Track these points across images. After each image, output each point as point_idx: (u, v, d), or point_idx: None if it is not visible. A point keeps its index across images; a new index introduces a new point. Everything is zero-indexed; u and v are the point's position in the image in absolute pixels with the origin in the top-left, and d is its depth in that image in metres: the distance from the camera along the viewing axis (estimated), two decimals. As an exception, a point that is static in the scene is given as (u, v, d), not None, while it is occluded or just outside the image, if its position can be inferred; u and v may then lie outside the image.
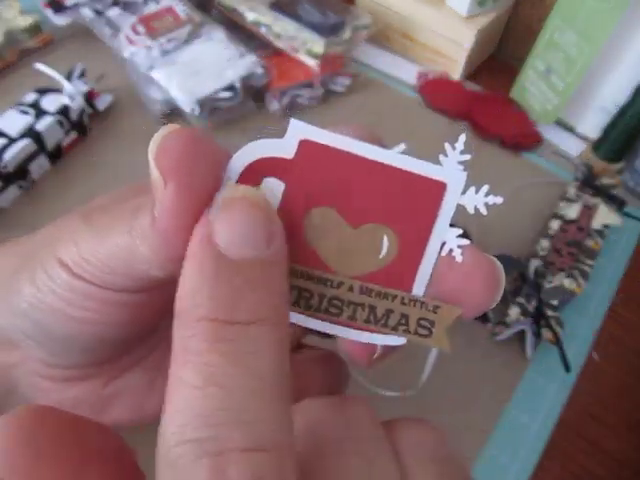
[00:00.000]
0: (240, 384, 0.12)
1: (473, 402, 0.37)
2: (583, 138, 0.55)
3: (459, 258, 0.15)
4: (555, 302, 0.39)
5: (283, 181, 0.14)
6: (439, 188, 0.15)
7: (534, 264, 0.41)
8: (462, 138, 0.15)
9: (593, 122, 0.54)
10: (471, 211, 0.15)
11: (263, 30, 0.55)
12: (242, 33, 0.56)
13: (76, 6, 0.53)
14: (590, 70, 0.50)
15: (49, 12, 0.52)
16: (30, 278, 0.16)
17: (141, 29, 0.52)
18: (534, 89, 0.56)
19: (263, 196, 0.14)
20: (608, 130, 0.50)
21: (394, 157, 0.14)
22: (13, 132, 0.42)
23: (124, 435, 0.14)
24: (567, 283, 0.40)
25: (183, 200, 0.13)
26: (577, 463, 0.36)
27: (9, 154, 0.41)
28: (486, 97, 0.56)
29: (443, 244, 0.15)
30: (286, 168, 0.14)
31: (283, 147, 0.14)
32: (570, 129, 0.56)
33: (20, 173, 0.42)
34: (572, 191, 0.46)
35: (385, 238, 0.15)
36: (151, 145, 0.13)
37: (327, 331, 0.15)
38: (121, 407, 0.19)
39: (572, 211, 0.44)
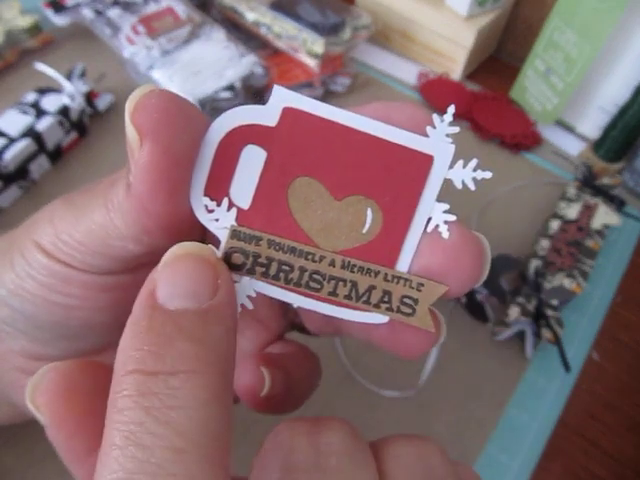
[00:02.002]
0: (162, 444, 0.11)
1: (473, 402, 0.37)
2: (583, 138, 0.55)
3: (445, 234, 0.14)
4: (555, 302, 0.39)
5: (265, 149, 0.14)
6: (426, 161, 0.14)
7: (534, 264, 0.41)
8: (450, 110, 0.14)
9: (593, 122, 0.54)
10: (459, 186, 0.14)
11: (263, 30, 0.55)
12: (242, 33, 0.56)
13: (76, 6, 0.53)
14: (590, 70, 0.50)
15: (49, 12, 0.52)
16: (10, 264, 0.16)
17: (141, 29, 0.52)
18: (534, 89, 0.56)
19: (210, 249, 0.13)
20: (608, 130, 0.50)
21: (381, 128, 0.14)
22: (13, 132, 0.42)
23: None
24: (567, 283, 0.40)
25: (160, 160, 0.12)
26: (577, 463, 0.36)
27: (9, 154, 0.41)
28: (486, 97, 0.56)
29: (429, 219, 0.14)
30: (268, 136, 0.14)
31: (266, 114, 0.13)
32: (570, 129, 0.56)
33: (20, 173, 0.42)
34: (572, 191, 0.46)
35: (369, 211, 0.14)
36: (128, 103, 0.13)
37: (306, 307, 0.15)
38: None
39: (572, 211, 0.44)
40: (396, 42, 0.62)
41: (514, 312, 0.38)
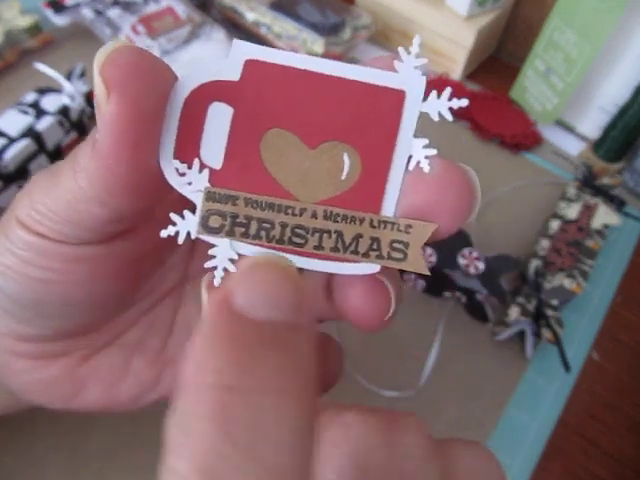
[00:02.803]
0: None
1: (473, 402, 0.37)
2: (583, 138, 0.55)
3: (427, 169, 0.13)
4: (555, 302, 0.39)
5: (231, 105, 0.13)
6: (398, 97, 0.13)
7: (534, 264, 0.41)
8: (416, 40, 0.14)
9: (593, 122, 0.54)
10: (435, 117, 0.14)
11: (263, 30, 0.55)
12: (242, 33, 0.56)
13: (76, 6, 0.53)
14: (590, 70, 0.50)
15: (49, 12, 0.52)
16: None
17: (141, 29, 0.52)
18: (534, 89, 0.56)
19: (289, 261, 0.12)
20: (608, 130, 0.50)
21: (346, 69, 0.13)
22: (13, 132, 0.42)
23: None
24: (567, 283, 0.40)
25: (126, 114, 0.12)
26: (577, 463, 0.36)
27: (9, 154, 0.41)
28: (486, 97, 0.56)
29: (409, 157, 0.14)
30: (233, 91, 0.13)
31: (228, 69, 0.13)
32: (570, 129, 0.56)
33: (20, 173, 0.42)
34: (572, 191, 0.46)
35: (346, 156, 0.14)
36: (98, 55, 0.12)
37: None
38: (94, 390, 0.18)
39: (572, 211, 0.44)
40: (396, 42, 0.62)
41: (514, 312, 0.38)
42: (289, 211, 0.14)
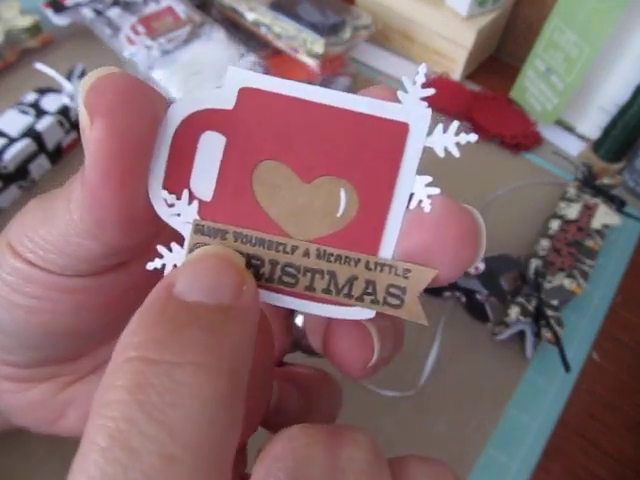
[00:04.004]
0: (153, 448, 0.09)
1: (473, 402, 0.37)
2: (583, 138, 0.55)
3: (428, 209, 0.12)
4: (555, 302, 0.39)
5: (224, 134, 0.13)
6: (400, 130, 0.13)
7: (534, 264, 0.41)
8: (422, 69, 0.13)
9: (593, 122, 0.54)
10: (441, 153, 0.13)
11: (263, 30, 0.55)
12: (242, 33, 0.56)
13: (76, 6, 0.53)
14: (590, 70, 0.49)
15: (49, 12, 0.52)
16: None
17: (141, 29, 0.52)
18: (534, 89, 0.56)
19: (239, 257, 0.12)
20: (608, 130, 0.50)
21: (346, 98, 0.12)
22: (13, 132, 0.42)
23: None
24: (567, 283, 0.40)
25: (112, 143, 0.11)
26: (577, 463, 0.36)
27: (9, 154, 0.41)
28: (486, 97, 0.56)
29: (411, 196, 0.13)
30: (226, 120, 0.12)
31: (222, 97, 0.12)
32: (570, 129, 0.56)
33: (20, 173, 0.42)
34: (572, 191, 0.46)
35: (342, 192, 0.13)
36: (82, 83, 0.12)
37: (282, 305, 0.13)
38: (76, 416, 0.18)
39: (572, 211, 0.44)
40: (396, 42, 0.62)
41: (514, 312, 0.38)
42: (280, 248, 0.13)
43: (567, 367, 0.37)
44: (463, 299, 0.39)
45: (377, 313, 0.13)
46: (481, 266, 0.39)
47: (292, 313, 0.19)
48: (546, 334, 0.37)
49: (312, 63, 0.53)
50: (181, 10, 0.54)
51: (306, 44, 0.53)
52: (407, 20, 0.59)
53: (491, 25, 0.58)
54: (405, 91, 0.13)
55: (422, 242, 0.12)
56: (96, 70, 0.12)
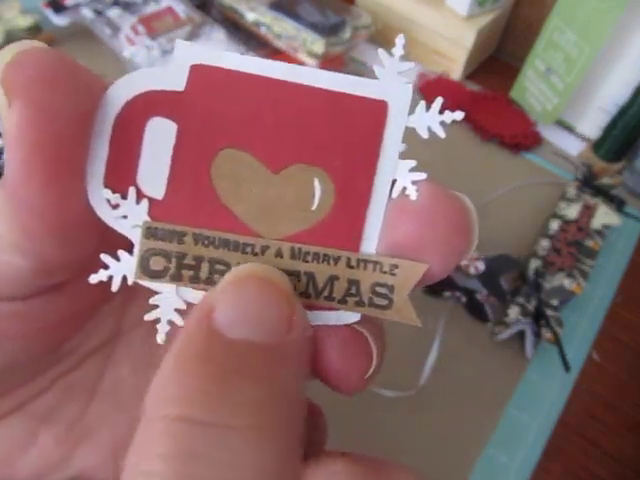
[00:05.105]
0: None
1: (473, 402, 0.37)
2: (583, 138, 0.55)
3: (414, 196, 0.11)
4: (555, 302, 0.39)
5: (175, 121, 0.11)
6: (379, 109, 0.11)
7: (534, 264, 0.41)
8: (400, 40, 0.11)
9: (593, 122, 0.54)
10: (424, 134, 0.11)
11: (263, 30, 0.55)
12: (242, 33, 0.56)
13: (76, 6, 0.53)
14: (590, 70, 0.50)
15: (49, 12, 0.52)
16: None
17: (141, 29, 0.52)
18: (534, 89, 0.56)
19: (283, 276, 0.11)
20: (608, 130, 0.50)
21: (316, 75, 0.11)
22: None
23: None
24: (567, 283, 0.40)
25: (35, 127, 0.09)
26: (577, 463, 0.36)
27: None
28: (486, 97, 0.56)
29: (393, 182, 0.11)
30: (177, 103, 0.11)
31: (170, 77, 0.11)
32: (570, 129, 0.56)
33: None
34: (572, 191, 0.46)
35: (316, 182, 0.11)
36: (0, 57, 0.10)
37: None
38: None
39: (572, 211, 0.44)
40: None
41: (514, 312, 0.38)
42: (248, 249, 0.11)
43: (567, 367, 0.37)
44: (463, 299, 0.39)
45: (363, 316, 0.12)
46: (481, 266, 0.39)
47: None
48: (546, 334, 0.37)
49: (312, 63, 0.53)
50: (181, 10, 0.54)
51: (306, 44, 0.53)
52: (407, 20, 0.59)
53: (491, 25, 0.58)
54: (382, 66, 0.11)
55: (409, 234, 0.11)
56: (17, 43, 0.10)
